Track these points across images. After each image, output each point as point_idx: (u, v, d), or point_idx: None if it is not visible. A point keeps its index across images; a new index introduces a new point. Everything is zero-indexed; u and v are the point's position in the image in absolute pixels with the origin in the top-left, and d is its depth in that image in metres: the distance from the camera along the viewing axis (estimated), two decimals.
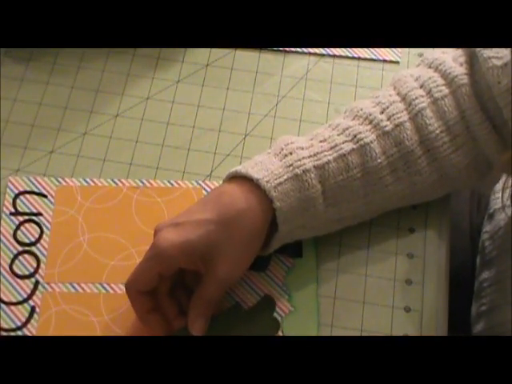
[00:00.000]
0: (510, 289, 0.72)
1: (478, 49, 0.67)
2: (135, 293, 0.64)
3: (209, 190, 0.74)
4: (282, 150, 0.67)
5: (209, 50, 0.82)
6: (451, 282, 0.72)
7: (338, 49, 0.83)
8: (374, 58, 0.82)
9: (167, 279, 0.65)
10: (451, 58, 0.70)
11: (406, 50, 0.83)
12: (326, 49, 0.83)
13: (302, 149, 0.66)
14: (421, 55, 0.82)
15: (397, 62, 0.82)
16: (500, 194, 0.79)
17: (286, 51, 0.83)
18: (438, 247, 0.72)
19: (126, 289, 0.65)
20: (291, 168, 0.65)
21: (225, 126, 0.78)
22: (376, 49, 0.83)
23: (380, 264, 0.71)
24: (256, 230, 0.64)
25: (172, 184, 0.74)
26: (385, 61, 0.82)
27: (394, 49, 0.83)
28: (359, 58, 0.82)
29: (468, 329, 0.78)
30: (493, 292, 0.75)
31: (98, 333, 0.67)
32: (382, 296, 0.70)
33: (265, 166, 0.65)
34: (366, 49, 0.83)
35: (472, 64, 0.69)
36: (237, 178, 0.66)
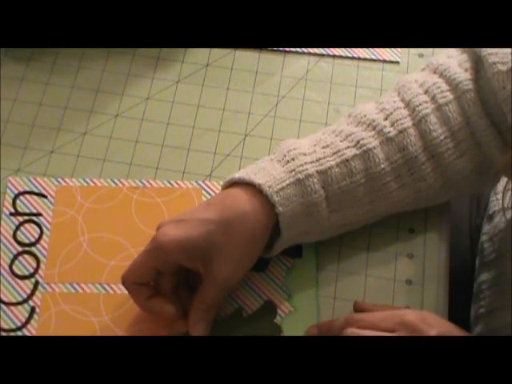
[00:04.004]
0: (509, 292, 0.72)
1: (483, 54, 0.67)
2: (132, 284, 0.65)
3: (209, 190, 0.74)
4: (285, 156, 0.67)
5: (209, 50, 0.82)
6: (451, 282, 0.72)
7: (337, 49, 0.83)
8: (374, 58, 0.82)
9: (169, 277, 0.65)
10: (456, 64, 0.70)
11: (406, 49, 0.83)
12: (325, 49, 0.83)
13: (305, 154, 0.66)
14: (421, 55, 0.82)
15: (397, 62, 0.82)
16: (499, 196, 0.79)
17: (285, 51, 0.83)
18: (438, 247, 0.73)
19: (123, 280, 0.65)
20: (293, 173, 0.65)
21: (225, 126, 0.78)
22: (376, 49, 0.83)
23: (380, 264, 0.71)
24: (257, 233, 0.64)
25: (172, 184, 0.74)
26: (385, 61, 0.82)
27: (393, 49, 0.83)
28: (359, 58, 0.82)
29: (468, 330, 0.78)
30: (491, 294, 0.75)
31: (98, 333, 0.67)
32: (382, 296, 0.70)
33: (267, 172, 0.65)
34: (365, 49, 0.83)
35: (477, 70, 0.69)
36: (240, 183, 0.66)
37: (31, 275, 0.70)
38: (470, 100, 0.67)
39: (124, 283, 0.65)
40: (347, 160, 0.66)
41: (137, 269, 0.64)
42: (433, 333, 0.60)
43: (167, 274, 0.65)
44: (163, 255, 0.63)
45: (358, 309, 0.68)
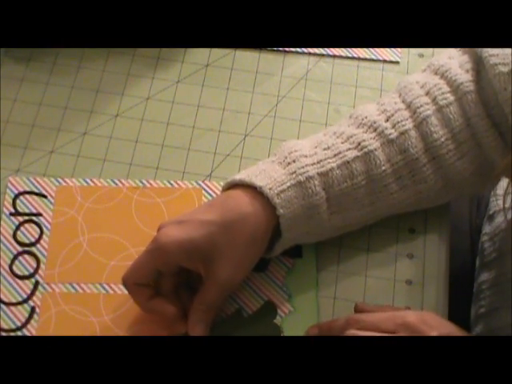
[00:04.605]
0: (509, 292, 0.72)
1: (484, 55, 0.67)
2: (133, 285, 0.65)
3: (209, 190, 0.74)
4: (286, 158, 0.67)
5: (209, 50, 0.82)
6: (451, 282, 0.72)
7: (337, 49, 0.83)
8: (374, 58, 0.82)
9: (169, 277, 0.65)
10: (457, 65, 0.69)
11: (406, 49, 0.83)
12: (325, 49, 0.83)
13: (306, 156, 0.67)
14: (421, 55, 0.82)
15: (397, 62, 0.82)
16: (500, 196, 0.78)
17: (285, 51, 0.83)
18: (438, 248, 0.73)
19: (124, 281, 0.65)
20: (294, 175, 0.65)
21: (225, 126, 0.78)
22: (376, 49, 0.83)
23: (380, 264, 0.71)
24: (258, 235, 0.64)
25: (172, 184, 0.74)
26: (385, 61, 0.82)
27: (393, 49, 0.83)
28: (359, 58, 0.82)
29: (468, 330, 0.78)
30: (492, 294, 0.75)
31: (98, 333, 0.67)
32: (382, 296, 0.70)
33: (268, 174, 0.65)
34: (365, 49, 0.83)
35: (478, 71, 0.69)
36: (241, 185, 0.66)
37: (31, 275, 0.70)
38: (471, 101, 0.67)
39: (125, 284, 0.65)
40: (348, 162, 0.66)
41: (137, 269, 0.64)
42: (433, 334, 0.60)
43: (168, 274, 0.65)
44: (164, 256, 0.63)
45: (358, 311, 0.68)
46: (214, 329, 0.66)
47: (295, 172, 0.65)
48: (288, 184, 0.65)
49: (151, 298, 0.65)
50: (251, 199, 0.65)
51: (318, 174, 0.66)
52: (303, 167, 0.66)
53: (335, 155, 0.67)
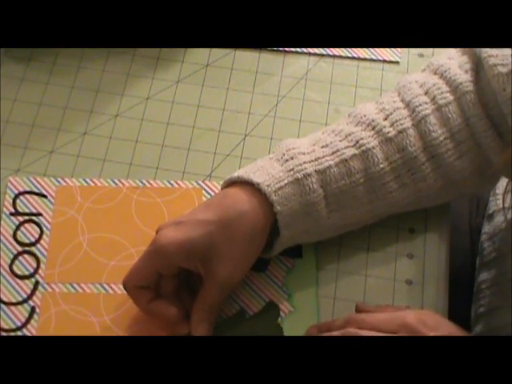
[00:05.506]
0: (509, 291, 0.72)
1: (484, 56, 0.67)
2: (133, 288, 0.65)
3: (209, 190, 0.74)
4: (284, 155, 0.67)
5: (209, 50, 0.82)
6: (451, 282, 0.72)
7: (337, 49, 0.83)
8: (374, 58, 0.82)
9: (170, 279, 0.65)
10: (457, 65, 0.70)
11: (406, 49, 0.83)
12: (325, 49, 0.83)
13: (304, 154, 0.67)
14: (421, 55, 0.82)
15: (397, 62, 0.82)
16: (499, 196, 0.79)
17: (285, 51, 0.83)
18: (438, 247, 0.73)
19: (124, 284, 0.65)
20: (292, 172, 0.65)
21: (225, 126, 0.78)
22: (376, 49, 0.83)
23: (380, 264, 0.71)
24: (257, 232, 0.64)
25: (172, 184, 0.74)
26: (385, 61, 0.82)
27: (393, 49, 0.83)
28: (359, 58, 0.82)
29: (468, 329, 0.78)
30: (492, 294, 0.75)
31: (98, 333, 0.67)
32: (382, 296, 0.70)
33: (266, 171, 0.66)
34: (365, 49, 0.83)
35: (477, 71, 0.69)
36: (239, 182, 0.66)
37: (31, 275, 0.70)
38: (470, 101, 0.67)
39: (125, 287, 0.65)
40: (346, 160, 0.67)
41: (137, 272, 0.64)
42: (432, 335, 0.60)
43: (168, 276, 0.65)
44: (164, 258, 0.63)
45: (359, 312, 0.67)
46: (217, 330, 0.66)
47: (293, 169, 0.66)
48: (286, 181, 0.65)
49: (152, 300, 0.65)
50: (249, 196, 0.65)
51: (315, 171, 0.66)
52: (301, 164, 0.66)
53: (333, 153, 0.67)
